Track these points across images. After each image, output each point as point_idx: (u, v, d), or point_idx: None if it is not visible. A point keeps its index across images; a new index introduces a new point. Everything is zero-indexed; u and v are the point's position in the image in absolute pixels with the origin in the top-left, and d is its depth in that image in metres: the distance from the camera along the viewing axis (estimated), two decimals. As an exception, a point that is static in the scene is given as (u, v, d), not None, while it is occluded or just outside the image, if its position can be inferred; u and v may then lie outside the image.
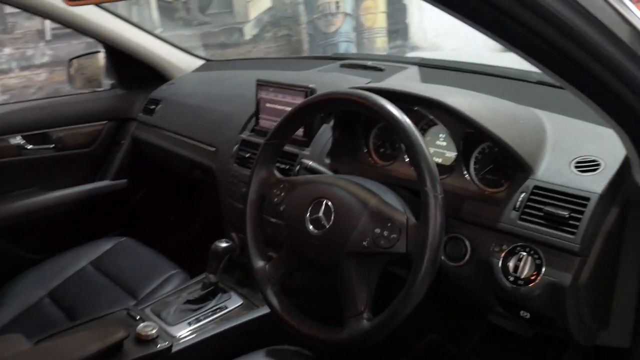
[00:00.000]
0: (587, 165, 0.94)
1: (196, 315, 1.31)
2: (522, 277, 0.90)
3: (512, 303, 0.97)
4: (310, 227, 0.98)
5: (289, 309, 1.03)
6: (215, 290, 1.37)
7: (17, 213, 1.86)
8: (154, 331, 1.18)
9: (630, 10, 0.61)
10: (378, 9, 6.24)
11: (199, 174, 1.77)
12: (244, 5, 5.72)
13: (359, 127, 1.28)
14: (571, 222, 0.89)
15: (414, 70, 1.53)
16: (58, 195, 1.93)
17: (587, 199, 0.89)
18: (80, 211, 1.97)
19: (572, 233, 0.88)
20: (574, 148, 0.99)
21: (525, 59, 0.65)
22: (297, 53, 5.86)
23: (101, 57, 2.08)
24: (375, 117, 1.16)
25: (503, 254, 0.94)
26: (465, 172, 1.10)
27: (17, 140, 1.86)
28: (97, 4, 1.77)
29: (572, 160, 0.96)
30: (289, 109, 1.39)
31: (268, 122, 1.48)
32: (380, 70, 1.55)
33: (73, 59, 2.09)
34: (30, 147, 1.89)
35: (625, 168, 0.87)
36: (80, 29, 1.86)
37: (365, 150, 1.28)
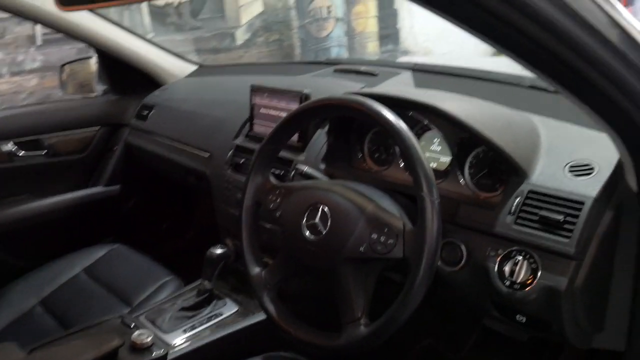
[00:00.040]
0: (581, 169, 0.95)
1: (191, 322, 1.31)
2: (518, 281, 0.91)
3: (508, 307, 0.97)
4: (307, 233, 0.98)
5: (286, 315, 1.03)
6: (211, 297, 1.36)
7: (8, 220, 1.84)
8: (149, 339, 1.17)
9: (621, 14, 0.62)
10: (369, 14, 6.27)
11: (192, 180, 1.76)
12: (235, 10, 5.72)
13: (353, 132, 1.28)
14: (566, 226, 0.89)
15: (407, 75, 1.54)
16: (50, 202, 1.91)
17: (582, 203, 0.89)
18: (73, 218, 1.96)
19: (568, 237, 0.88)
20: (567, 152, 0.99)
21: (520, 63, 0.65)
22: (289, 58, 5.87)
23: (93, 62, 2.07)
24: (370, 123, 1.16)
25: (499, 259, 0.94)
26: (460, 177, 1.11)
27: (9, 146, 1.84)
28: (90, 10, 1.76)
29: (566, 164, 0.97)
30: (283, 114, 1.40)
31: (262, 128, 1.48)
32: (374, 75, 1.55)
33: (65, 64, 2.09)
34: (22, 153, 1.87)
35: (618, 172, 0.88)
36: (73, 34, 1.85)
37: (360, 156, 1.28)
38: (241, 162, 1.47)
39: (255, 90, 1.49)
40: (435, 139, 1.16)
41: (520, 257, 0.92)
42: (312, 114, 1.08)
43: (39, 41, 3.91)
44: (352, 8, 6.13)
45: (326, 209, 0.97)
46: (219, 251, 1.34)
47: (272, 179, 1.11)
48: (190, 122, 1.80)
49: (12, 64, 3.91)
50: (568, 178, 0.95)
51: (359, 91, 1.21)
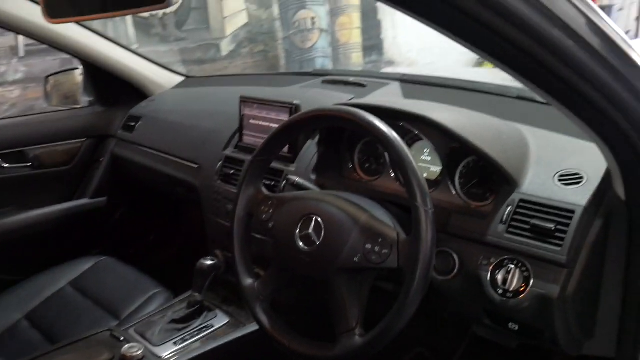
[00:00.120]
0: (571, 179, 0.96)
1: (182, 334, 1.29)
2: (511, 289, 0.92)
3: (501, 315, 0.98)
4: (300, 243, 0.97)
5: (279, 326, 1.02)
6: (201, 309, 1.35)
7: (-8, 233, 1.82)
8: (139, 352, 1.16)
9: (611, 26, 0.63)
10: (353, 25, 6.33)
11: (181, 191, 1.75)
12: (220, 22, 5.74)
13: (343, 142, 1.29)
14: (557, 234, 0.90)
15: (395, 86, 1.55)
16: (35, 214, 1.88)
17: (572, 212, 0.91)
18: (59, 230, 1.93)
19: (559, 245, 0.90)
20: (556, 162, 1.01)
21: (512, 75, 0.66)
22: (274, 69, 5.89)
23: (78, 74, 2.05)
24: (361, 133, 1.17)
25: (491, 267, 0.95)
26: (450, 187, 1.12)
27: (-7, 159, 1.82)
28: (77, 22, 1.75)
29: (556, 173, 0.98)
30: (273, 125, 1.41)
31: (252, 139, 1.48)
32: (363, 86, 1.56)
33: (49, 75, 2.07)
34: (6, 165, 1.85)
35: (607, 180, 0.90)
36: (59, 46, 1.84)
37: (351, 166, 1.29)
38: (231, 172, 1.47)
39: (245, 101, 1.49)
40: (426, 149, 1.17)
41: (512, 266, 0.93)
42: (304, 125, 1.08)
43: (21, 52, 3.88)
44: (336, 19, 6.19)
45: (319, 219, 0.97)
46: (209, 262, 1.34)
47: (264, 190, 1.10)
48: (178, 133, 1.79)
49: (-5, 75, 3.88)
50: (558, 187, 0.96)
51: (349, 102, 1.22)
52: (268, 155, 1.10)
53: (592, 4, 0.60)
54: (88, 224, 2.01)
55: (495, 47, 0.59)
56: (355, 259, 0.92)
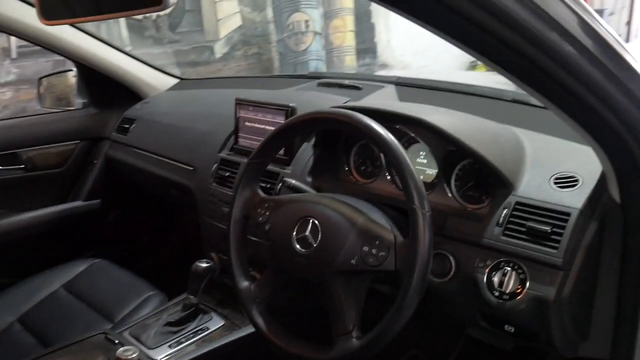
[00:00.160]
0: (566, 181, 0.97)
1: (177, 337, 1.29)
2: (507, 291, 0.92)
3: (497, 318, 0.99)
4: (297, 246, 0.97)
5: (276, 329, 1.02)
6: (196, 312, 1.35)
7: (-15, 236, 1.80)
8: (134, 355, 1.14)
9: (608, 31, 0.64)
10: (346, 28, 6.35)
11: (175, 193, 1.75)
12: (214, 24, 5.73)
13: (339, 145, 1.29)
14: (553, 236, 0.91)
15: (391, 89, 1.56)
16: (28, 217, 1.87)
17: (568, 214, 0.91)
18: (52, 233, 1.92)
19: (555, 247, 0.90)
20: (552, 165, 1.02)
21: (510, 79, 0.67)
22: (268, 71, 5.89)
23: (71, 75, 2.04)
24: (358, 136, 1.17)
25: (487, 269, 0.96)
26: (446, 189, 1.12)
27: (-14, 161, 1.81)
28: (71, 24, 1.75)
29: (551, 176, 0.99)
30: (269, 127, 1.41)
31: (247, 141, 1.48)
32: (358, 89, 1.56)
33: (43, 77, 2.06)
34: (-1, 168, 1.84)
35: (602, 184, 0.90)
36: (53, 48, 1.83)
37: (347, 169, 1.29)
38: (226, 175, 1.47)
39: (240, 103, 1.49)
40: (422, 152, 1.17)
41: (508, 268, 0.93)
42: (301, 128, 1.08)
43: (13, 54, 3.86)
44: (330, 22, 6.20)
45: (316, 221, 0.97)
46: (204, 265, 1.33)
47: (261, 192, 1.10)
48: (173, 135, 1.79)
49: (-14, 77, 3.85)
50: (553, 190, 0.97)
51: (346, 105, 1.22)
52: (264, 157, 1.10)
53: (587, 5, 0.61)
54: (81, 226, 2.00)
55: (490, 48, 0.59)
56: (353, 262, 0.92)
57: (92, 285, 1.61)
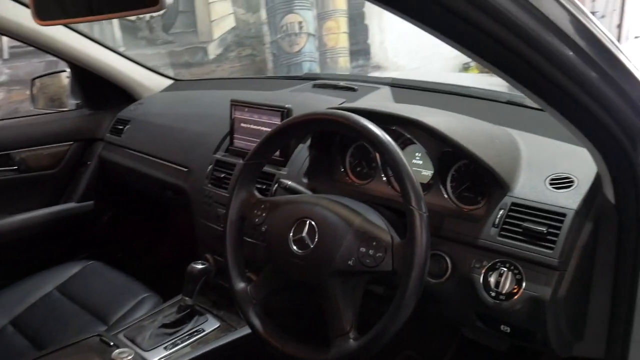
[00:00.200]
0: (562, 182, 0.98)
1: (172, 339, 1.29)
2: (504, 292, 0.93)
3: (493, 318, 0.99)
4: (294, 247, 0.97)
5: (273, 330, 1.02)
6: (192, 313, 1.35)
7: (-22, 238, 1.79)
8: (130, 357, 1.14)
9: (604, 33, 0.64)
10: (340, 30, 6.36)
11: (170, 194, 1.74)
12: (207, 25, 5.73)
13: (335, 146, 1.29)
14: (549, 237, 0.92)
15: (386, 90, 1.56)
16: (21, 218, 1.86)
17: (564, 215, 0.92)
18: (45, 235, 1.91)
19: (551, 248, 0.91)
20: (547, 166, 1.02)
21: (508, 81, 0.67)
22: (262, 72, 5.89)
23: (64, 76, 2.04)
24: (355, 137, 1.17)
25: (484, 270, 0.96)
26: (442, 190, 1.13)
27: (-22, 162, 1.80)
28: (66, 24, 1.74)
29: (547, 177, 1.00)
30: (265, 129, 1.41)
31: (243, 142, 1.48)
32: (353, 90, 1.57)
33: (36, 78, 2.05)
34: (-8, 169, 1.82)
35: (597, 184, 0.91)
36: (47, 48, 1.82)
37: (342, 170, 1.29)
38: (221, 176, 1.46)
39: (236, 104, 1.49)
40: (417, 153, 1.18)
41: (505, 269, 0.94)
42: (298, 129, 1.08)
43: (5, 54, 3.84)
44: (324, 24, 6.21)
45: (313, 222, 0.97)
46: (200, 266, 1.33)
47: (257, 194, 1.10)
48: (168, 136, 1.78)
49: (-22, 78, 3.83)
50: (549, 191, 0.97)
51: (342, 106, 1.23)
52: (261, 158, 1.10)
53: (582, 6, 0.61)
54: (75, 228, 1.99)
55: (485, 48, 0.60)
56: (350, 262, 0.92)
57: (86, 287, 1.60)
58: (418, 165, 1.18)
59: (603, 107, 0.68)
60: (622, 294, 0.90)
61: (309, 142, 1.31)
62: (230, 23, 5.92)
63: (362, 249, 0.92)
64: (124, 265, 1.73)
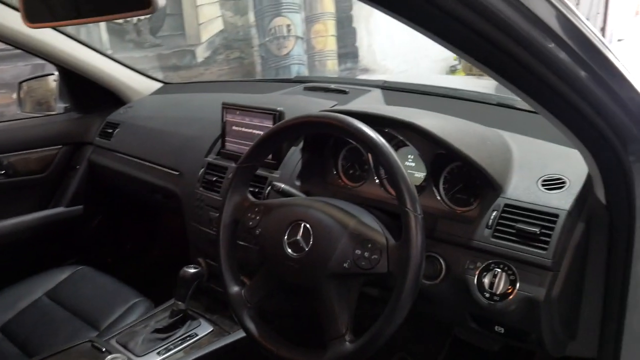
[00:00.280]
0: (554, 183, 0.99)
1: (165, 344, 1.28)
2: (498, 293, 0.93)
3: (487, 319, 1.00)
4: (289, 250, 0.97)
5: (268, 333, 1.02)
6: (184, 318, 1.34)
7: (-35, 243, 1.76)
8: (122, 363, 1.14)
9: (597, 35, 0.65)
10: (328, 33, 6.38)
11: (161, 198, 1.73)
12: (195, 28, 5.71)
13: (327, 149, 1.30)
14: (542, 238, 0.92)
15: (377, 93, 1.57)
16: (9, 223, 1.84)
17: (556, 216, 0.93)
18: (34, 240, 1.89)
19: (544, 249, 0.92)
20: (539, 167, 1.03)
21: (502, 84, 0.68)
22: (250, 75, 5.89)
23: (52, 79, 2.01)
24: (349, 140, 1.17)
25: (478, 271, 0.96)
26: (435, 192, 1.13)
27: (-35, 167, 1.77)
28: (56, 27, 1.72)
29: (539, 178, 1.01)
30: (256, 132, 1.40)
31: (235, 145, 1.47)
32: (345, 92, 1.57)
33: (23, 81, 2.03)
34: (-22, 173, 1.80)
35: (588, 185, 0.92)
36: (35, 51, 1.80)
37: (335, 172, 1.29)
38: (213, 179, 1.46)
39: (227, 107, 1.48)
40: (410, 155, 1.18)
41: (498, 269, 0.94)
42: (292, 131, 1.08)
43: (-10, 57, 3.79)
44: (312, 27, 6.23)
45: (308, 225, 0.97)
46: (192, 270, 1.32)
47: (250, 197, 1.10)
48: (158, 140, 1.77)
49: (-38, 81, 3.77)
50: (542, 192, 0.98)
51: (334, 108, 1.23)
52: (254, 161, 1.10)
53: (572, 6, 0.62)
54: (64, 232, 1.97)
55: (476, 47, 0.60)
56: (345, 265, 0.92)
57: (76, 293, 1.58)
58: (411, 167, 1.18)
59: (593, 106, 0.69)
60: (613, 293, 0.91)
61: (301, 144, 1.31)
62: (218, 26, 5.91)
63: (358, 251, 0.92)
64: (115, 270, 1.71)
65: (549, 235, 0.92)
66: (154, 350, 1.25)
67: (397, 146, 1.20)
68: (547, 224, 0.93)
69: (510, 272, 0.94)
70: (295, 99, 1.59)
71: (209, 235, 1.42)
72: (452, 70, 6.48)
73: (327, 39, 6.36)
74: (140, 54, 5.26)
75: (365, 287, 1.04)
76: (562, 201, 0.95)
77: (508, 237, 0.96)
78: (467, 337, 1.25)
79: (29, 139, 1.91)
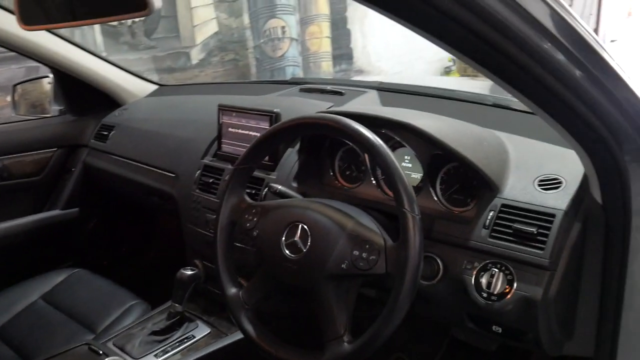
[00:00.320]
0: (550, 183, 0.99)
1: (163, 346, 1.28)
2: (495, 292, 0.94)
3: (485, 318, 1.00)
4: (287, 251, 0.97)
5: (265, 335, 1.02)
6: (182, 320, 1.34)
7: (-40, 247, 1.75)
8: (119, 365, 1.14)
9: (593, 36, 0.66)
10: (323, 34, 6.38)
11: (157, 200, 1.73)
12: (190, 30, 5.70)
13: (324, 150, 1.30)
14: (539, 237, 0.93)
15: (373, 94, 1.57)
16: (5, 226, 1.83)
17: (553, 216, 0.93)
18: (29, 243, 1.88)
19: (541, 248, 0.92)
20: (535, 167, 1.04)
21: (497, 82, 0.68)
22: (245, 77, 5.88)
23: (46, 82, 2.01)
24: (346, 141, 1.17)
25: (475, 271, 0.97)
26: (432, 193, 1.13)
27: (-40, 170, 1.76)
28: (51, 29, 1.72)
29: (535, 178, 1.01)
30: (253, 133, 1.40)
31: (231, 147, 1.47)
32: (341, 94, 1.57)
33: (17, 84, 2.02)
34: (-27, 177, 1.79)
35: (584, 185, 0.93)
36: (30, 54, 1.79)
37: (331, 174, 1.29)
38: (210, 181, 1.46)
39: (223, 109, 1.48)
40: (407, 156, 1.19)
41: (496, 269, 0.95)
42: (289, 133, 1.08)
43: (-17, 60, 3.77)
44: (306, 28, 6.23)
45: (306, 227, 0.97)
46: (189, 272, 1.32)
47: (247, 198, 1.10)
48: (154, 142, 1.77)
49: (-45, 84, 3.75)
50: (538, 192, 0.99)
51: (331, 110, 1.23)
52: (251, 163, 1.10)
53: (567, 6, 0.62)
54: (60, 235, 1.96)
55: (472, 47, 0.60)
56: (343, 266, 0.92)
57: (72, 296, 1.58)
58: (407, 168, 1.19)
59: (588, 106, 0.69)
60: (610, 293, 0.92)
61: (297, 146, 1.31)
62: (212, 28, 5.91)
63: (356, 252, 0.92)
64: (111, 273, 1.71)
65: (545, 235, 0.93)
66: (151, 353, 1.25)
67: (393, 147, 1.20)
68: (543, 224, 0.93)
69: (507, 272, 0.94)
70: (292, 101, 1.59)
71: (206, 237, 1.42)
72: (447, 72, 6.50)
73: (321, 41, 6.36)
74: (134, 56, 5.25)
75: (363, 288, 1.04)
76: (558, 201, 0.95)
77: (505, 237, 0.96)
78: (464, 337, 1.26)
79: (23, 142, 1.91)
